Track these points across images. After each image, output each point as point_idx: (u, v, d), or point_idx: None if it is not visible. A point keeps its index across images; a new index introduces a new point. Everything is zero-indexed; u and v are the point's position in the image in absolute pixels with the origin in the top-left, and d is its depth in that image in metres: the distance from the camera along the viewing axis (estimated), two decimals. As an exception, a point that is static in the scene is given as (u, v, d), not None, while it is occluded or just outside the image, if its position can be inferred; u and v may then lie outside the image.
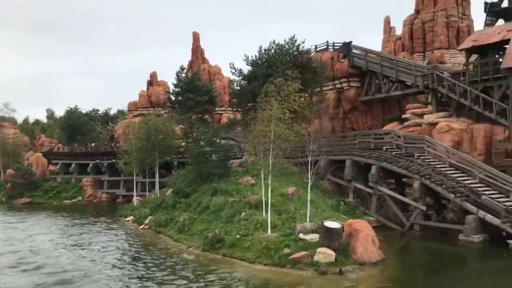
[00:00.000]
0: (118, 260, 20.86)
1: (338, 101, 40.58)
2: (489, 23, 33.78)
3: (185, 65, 62.14)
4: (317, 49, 42.59)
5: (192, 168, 30.98)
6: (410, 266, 19.40)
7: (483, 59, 28.90)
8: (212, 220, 23.96)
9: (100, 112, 71.03)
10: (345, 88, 39.78)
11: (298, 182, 26.69)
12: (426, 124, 30.08)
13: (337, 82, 40.14)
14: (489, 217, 21.05)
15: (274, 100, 19.41)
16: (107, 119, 67.09)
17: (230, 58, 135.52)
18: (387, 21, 56.24)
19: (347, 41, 39.42)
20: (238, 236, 20.73)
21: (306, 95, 31.07)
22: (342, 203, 27.40)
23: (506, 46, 27.05)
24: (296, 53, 31.29)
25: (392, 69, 35.44)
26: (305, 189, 22.82)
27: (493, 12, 33.72)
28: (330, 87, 40.60)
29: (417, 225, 24.18)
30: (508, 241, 18.88)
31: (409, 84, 34.56)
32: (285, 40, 31.66)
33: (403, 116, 33.48)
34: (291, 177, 28.09)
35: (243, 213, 22.82)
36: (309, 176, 20.52)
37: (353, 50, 38.94)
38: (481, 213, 21.34)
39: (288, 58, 30.60)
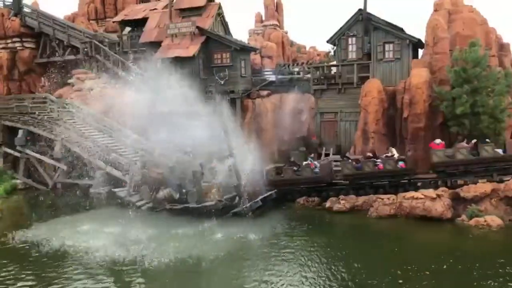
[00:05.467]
0: None
1: (12, 61, 38.55)
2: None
3: None
4: (-14, 3, 39.12)
5: None
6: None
7: (134, 32, 32.83)
8: None
9: None
10: (18, 48, 38.03)
11: None
12: (86, 89, 32.41)
13: (10, 41, 38.09)
14: (114, 171, 25.07)
15: None
16: None
17: None
18: (81, -19, 55.49)
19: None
20: None
21: None
22: (-10, 169, 27.23)
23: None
24: None
25: (64, 34, 36.09)
26: None
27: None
28: (2, 45, 38.29)
29: (59, 183, 26.53)
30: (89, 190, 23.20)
31: (81, 49, 36.00)
32: None
33: (69, 81, 34.93)
34: None
35: None
36: None
37: (25, 9, 37.51)
38: (109, 168, 25.19)
39: None
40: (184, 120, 25.71)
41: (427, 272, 12.66)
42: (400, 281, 12.29)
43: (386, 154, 20.83)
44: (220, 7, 30.06)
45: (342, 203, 20.13)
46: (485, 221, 17.09)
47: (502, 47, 24.81)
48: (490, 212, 17.67)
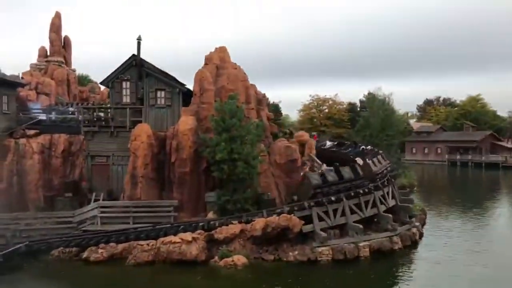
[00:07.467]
0: None
1: None
2: None
3: None
4: None
5: None
6: None
7: None
8: None
9: None
10: None
11: None
12: None
13: None
14: None
15: None
16: None
17: None
18: None
19: None
20: None
21: None
22: None
23: None
24: None
25: None
26: None
27: None
28: None
29: None
30: None
31: None
32: None
33: None
34: None
35: None
36: None
37: None
38: None
39: None
40: None
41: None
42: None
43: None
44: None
45: (100, 252, 19.03)
46: (232, 260, 18.27)
47: (260, 101, 28.22)
48: (238, 252, 19.00)
